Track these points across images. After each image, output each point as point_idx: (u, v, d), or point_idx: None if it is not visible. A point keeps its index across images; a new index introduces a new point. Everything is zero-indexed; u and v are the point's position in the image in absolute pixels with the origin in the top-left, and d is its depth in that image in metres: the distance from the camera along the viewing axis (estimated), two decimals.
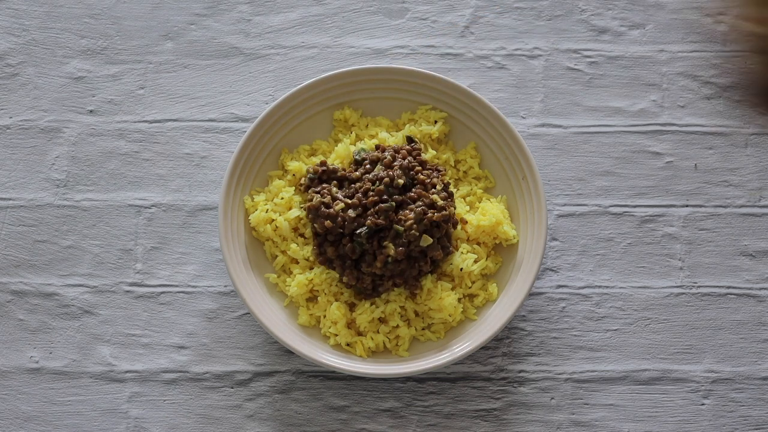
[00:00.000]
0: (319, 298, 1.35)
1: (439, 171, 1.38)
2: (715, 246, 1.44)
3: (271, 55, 1.52)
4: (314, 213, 1.35)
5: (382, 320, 1.36)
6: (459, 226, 1.38)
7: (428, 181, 1.35)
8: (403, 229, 1.31)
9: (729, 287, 1.43)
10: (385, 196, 1.33)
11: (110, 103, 1.49)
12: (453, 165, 1.43)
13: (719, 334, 1.41)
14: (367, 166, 1.36)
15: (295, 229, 1.38)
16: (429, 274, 1.35)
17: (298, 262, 1.38)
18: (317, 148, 1.43)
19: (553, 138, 1.48)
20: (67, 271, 1.43)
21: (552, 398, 1.39)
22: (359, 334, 1.36)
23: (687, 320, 1.41)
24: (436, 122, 1.42)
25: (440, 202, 1.33)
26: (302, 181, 1.39)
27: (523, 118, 1.49)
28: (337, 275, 1.35)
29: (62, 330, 1.41)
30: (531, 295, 1.42)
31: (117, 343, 1.40)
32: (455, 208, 1.37)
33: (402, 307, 1.35)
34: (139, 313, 1.41)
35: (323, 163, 1.38)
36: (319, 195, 1.34)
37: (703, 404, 1.38)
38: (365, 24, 1.53)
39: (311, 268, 1.37)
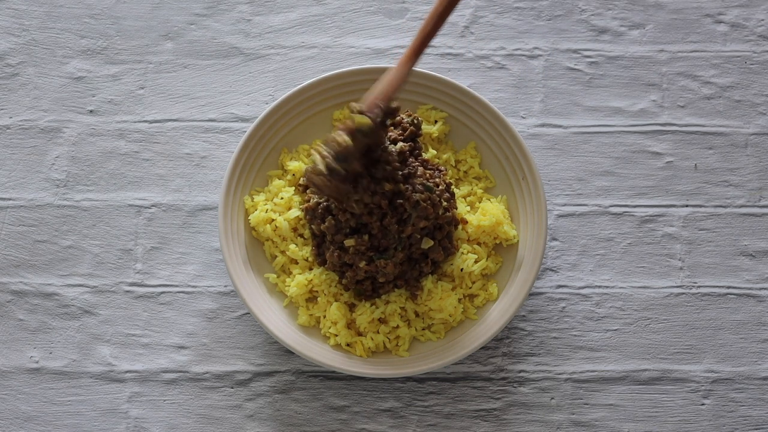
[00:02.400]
0: (318, 299, 1.35)
1: (440, 171, 1.37)
2: (715, 246, 1.44)
3: (271, 55, 1.52)
4: (312, 214, 1.35)
5: (382, 320, 1.36)
6: (459, 227, 1.38)
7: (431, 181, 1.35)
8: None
9: (729, 287, 1.43)
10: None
11: (110, 103, 1.49)
12: (453, 165, 1.43)
13: (719, 334, 1.41)
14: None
15: (295, 230, 1.38)
16: (429, 275, 1.35)
17: (297, 263, 1.38)
18: None
19: (553, 138, 1.48)
20: (67, 271, 1.43)
21: (552, 398, 1.39)
22: (359, 334, 1.36)
23: (687, 320, 1.41)
24: (436, 122, 1.42)
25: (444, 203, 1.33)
26: (301, 181, 1.38)
27: (523, 118, 1.49)
28: (337, 276, 1.35)
29: (62, 330, 1.41)
30: (531, 295, 1.42)
31: (117, 343, 1.40)
32: (457, 209, 1.36)
33: (402, 308, 1.35)
34: (139, 313, 1.41)
35: None
36: (316, 196, 1.34)
37: (703, 404, 1.39)
38: (365, 24, 1.53)
39: (311, 269, 1.37)
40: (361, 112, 1.25)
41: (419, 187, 1.31)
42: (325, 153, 1.25)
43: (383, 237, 1.31)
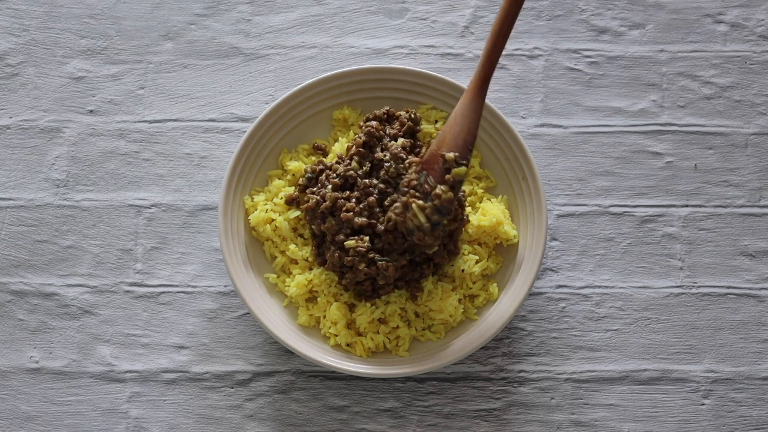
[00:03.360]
0: (318, 299, 1.35)
1: None
2: (715, 246, 1.44)
3: (271, 55, 1.52)
4: (312, 214, 1.34)
5: (382, 320, 1.36)
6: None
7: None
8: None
9: (729, 287, 1.43)
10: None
11: (110, 103, 1.49)
12: None
13: (719, 334, 1.41)
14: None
15: (295, 230, 1.38)
16: (430, 276, 1.35)
17: (297, 263, 1.38)
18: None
19: (553, 138, 1.48)
20: (67, 271, 1.43)
21: (552, 398, 1.39)
22: (359, 334, 1.36)
23: (687, 320, 1.41)
24: (436, 122, 1.42)
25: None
26: (300, 181, 1.38)
27: (523, 118, 1.49)
28: (337, 276, 1.35)
29: (62, 330, 1.41)
30: (531, 295, 1.42)
31: (117, 343, 1.40)
32: (465, 209, 1.36)
33: (402, 308, 1.35)
34: (139, 313, 1.41)
35: (320, 163, 1.38)
36: (315, 196, 1.34)
37: (703, 404, 1.39)
38: (365, 24, 1.53)
39: (310, 269, 1.37)
40: (457, 162, 1.24)
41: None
42: (427, 206, 1.24)
43: (389, 242, 1.31)
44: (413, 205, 1.25)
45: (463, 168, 1.24)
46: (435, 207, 1.24)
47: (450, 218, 1.28)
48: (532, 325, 1.41)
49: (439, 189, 1.24)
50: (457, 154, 1.24)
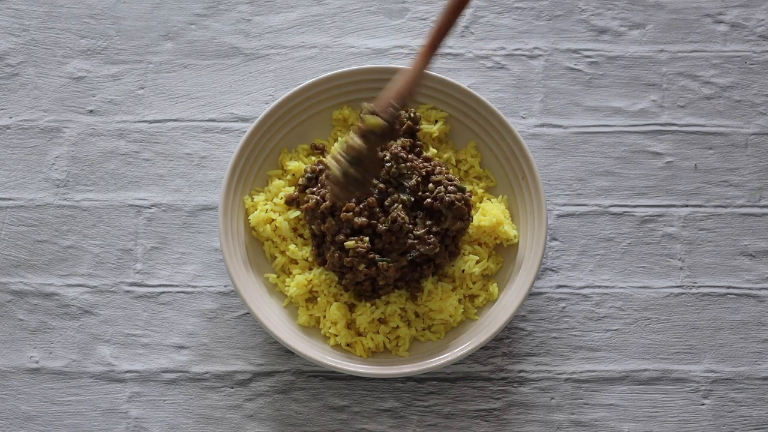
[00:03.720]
0: (318, 299, 1.35)
1: (442, 168, 1.37)
2: (715, 246, 1.44)
3: (271, 55, 1.52)
4: (312, 214, 1.34)
5: (382, 321, 1.36)
6: None
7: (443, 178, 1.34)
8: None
9: (729, 287, 1.43)
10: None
11: (110, 103, 1.49)
12: (454, 164, 1.43)
13: (719, 334, 1.41)
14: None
15: (295, 230, 1.38)
16: (430, 276, 1.35)
17: (297, 263, 1.38)
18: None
19: (553, 138, 1.48)
20: (67, 271, 1.43)
21: (552, 398, 1.39)
22: (359, 334, 1.36)
23: (687, 320, 1.41)
24: (436, 122, 1.42)
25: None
26: (300, 181, 1.38)
27: (523, 118, 1.49)
28: (337, 276, 1.35)
29: (62, 330, 1.41)
30: (531, 295, 1.42)
31: (117, 343, 1.40)
32: (471, 210, 1.36)
33: (402, 309, 1.35)
34: (139, 313, 1.41)
35: (320, 163, 1.38)
36: (315, 196, 1.34)
37: (703, 404, 1.39)
38: (365, 24, 1.53)
39: (310, 269, 1.37)
40: (373, 113, 1.22)
41: (451, 187, 1.31)
42: (340, 158, 1.23)
43: (389, 242, 1.31)
44: (330, 157, 1.25)
45: (377, 119, 1.21)
46: (350, 158, 1.22)
47: (365, 171, 1.25)
48: (532, 325, 1.41)
49: (352, 139, 1.22)
50: (375, 107, 1.22)
